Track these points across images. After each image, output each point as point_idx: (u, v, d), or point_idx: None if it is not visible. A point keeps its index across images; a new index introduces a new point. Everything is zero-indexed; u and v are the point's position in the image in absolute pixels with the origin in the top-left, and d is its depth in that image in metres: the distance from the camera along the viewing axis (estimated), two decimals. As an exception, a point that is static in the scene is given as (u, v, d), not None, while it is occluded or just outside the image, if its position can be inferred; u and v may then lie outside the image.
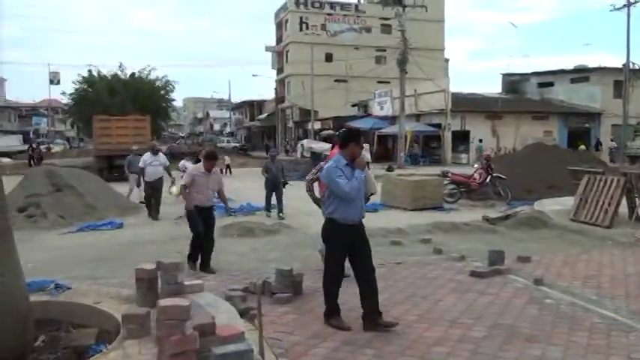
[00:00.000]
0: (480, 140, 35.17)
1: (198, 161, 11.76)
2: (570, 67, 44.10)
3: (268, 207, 13.77)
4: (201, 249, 7.85)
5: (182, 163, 17.06)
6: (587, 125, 39.74)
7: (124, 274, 6.74)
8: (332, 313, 5.28)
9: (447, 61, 61.59)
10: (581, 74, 42.01)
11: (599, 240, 10.15)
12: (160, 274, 4.79)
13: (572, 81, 42.08)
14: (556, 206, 12.96)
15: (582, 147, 31.49)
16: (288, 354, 4.61)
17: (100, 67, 56.59)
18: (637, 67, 35.68)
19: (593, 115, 39.75)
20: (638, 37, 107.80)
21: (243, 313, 5.05)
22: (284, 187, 13.78)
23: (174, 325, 3.71)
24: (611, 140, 38.02)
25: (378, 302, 5.24)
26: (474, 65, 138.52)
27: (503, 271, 7.28)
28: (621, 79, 34.71)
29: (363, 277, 5.25)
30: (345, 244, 5.20)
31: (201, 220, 7.78)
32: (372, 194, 5.80)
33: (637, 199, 11.35)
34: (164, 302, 3.88)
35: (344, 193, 5.06)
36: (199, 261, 7.85)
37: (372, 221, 9.08)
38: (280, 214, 13.20)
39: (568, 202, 12.62)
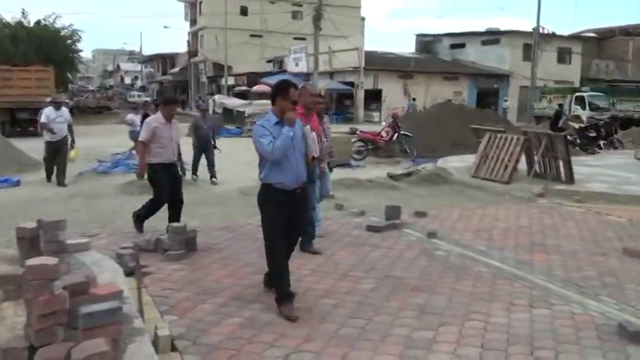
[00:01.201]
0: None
1: (146, 116, 10.74)
2: (483, 29, 45.28)
3: (195, 170, 11.96)
4: (156, 211, 6.97)
5: (129, 116, 15.08)
6: (496, 86, 41.13)
7: (13, 234, 6.33)
8: (283, 298, 4.49)
9: (363, 19, 61.62)
10: (492, 36, 43.23)
11: (498, 195, 10.54)
12: (41, 233, 4.52)
13: (484, 43, 43.24)
14: (459, 163, 13.34)
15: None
16: (173, 310, 4.47)
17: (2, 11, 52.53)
18: (546, 32, 37.09)
19: (502, 77, 41.16)
20: (548, 2, 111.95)
21: (130, 272, 4.85)
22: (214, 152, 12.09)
23: (41, 285, 3.47)
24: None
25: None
26: (391, 25, 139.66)
27: (399, 225, 7.40)
28: (531, 43, 35.89)
29: (289, 247, 4.79)
30: (280, 212, 4.53)
31: (167, 181, 6.83)
32: (314, 158, 4.81)
33: (535, 157, 11.81)
34: (30, 262, 3.64)
35: (267, 154, 4.45)
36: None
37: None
38: (213, 179, 11.69)
39: (471, 159, 12.99)
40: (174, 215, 6.91)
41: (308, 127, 4.83)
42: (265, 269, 4.85)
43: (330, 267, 5.70)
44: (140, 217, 7.02)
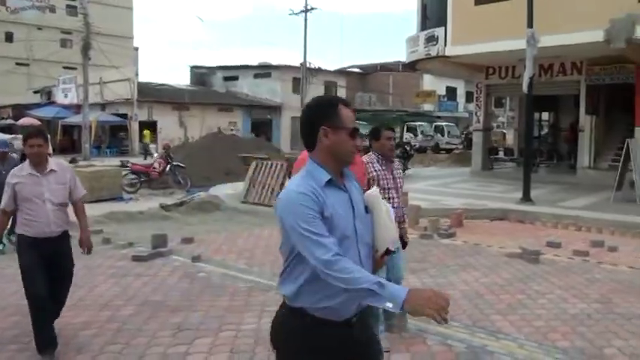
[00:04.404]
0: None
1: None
2: (255, 62, 47.23)
3: None
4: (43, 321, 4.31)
5: None
6: (269, 117, 43.08)
7: None
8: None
9: (136, 49, 60.45)
10: (263, 70, 45.26)
11: (266, 218, 11.13)
12: None
13: (256, 76, 45.09)
14: (230, 190, 13.89)
15: (253, 135, 34.03)
16: None
17: None
18: (312, 67, 40.12)
19: (275, 108, 43.24)
20: (314, 39, 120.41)
21: None
22: None
23: None
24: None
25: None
26: (168, 56, 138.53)
27: (165, 253, 7.61)
28: (299, 76, 38.42)
29: None
30: None
31: (41, 267, 4.32)
32: (389, 251, 2.40)
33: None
34: None
35: (322, 265, 2.08)
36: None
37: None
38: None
39: (241, 186, 13.62)
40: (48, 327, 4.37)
41: (375, 189, 2.49)
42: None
43: (91, 299, 5.71)
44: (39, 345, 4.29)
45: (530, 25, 12.43)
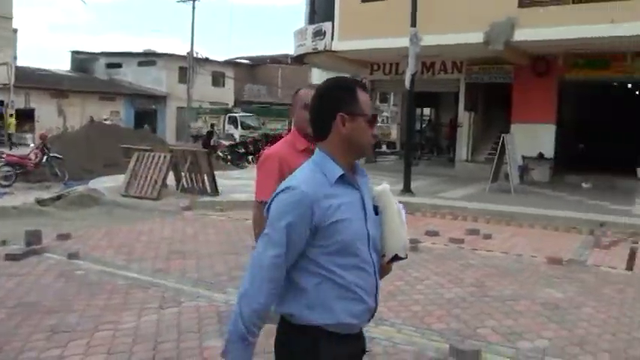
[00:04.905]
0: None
1: None
2: (140, 50, 45.54)
3: None
4: None
5: None
6: (154, 107, 41.77)
7: None
8: None
9: (15, 31, 56.24)
10: (149, 58, 43.77)
11: (147, 212, 10.83)
12: None
13: (141, 64, 43.50)
14: (111, 183, 13.31)
15: (146, 126, 32.95)
16: None
17: None
18: (200, 56, 39.30)
19: (160, 98, 41.97)
20: (202, 28, 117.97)
21: None
22: None
23: None
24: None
25: None
26: (47, 40, 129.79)
27: (39, 250, 7.15)
28: (186, 66, 37.49)
29: None
30: None
31: None
32: (397, 257, 2.13)
33: (182, 173, 12.48)
34: None
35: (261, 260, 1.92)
36: None
37: None
38: None
39: (122, 179, 13.08)
40: None
41: (386, 186, 2.19)
42: None
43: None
44: None
45: (413, 24, 12.90)
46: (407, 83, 13.27)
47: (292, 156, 2.86)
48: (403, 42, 13.32)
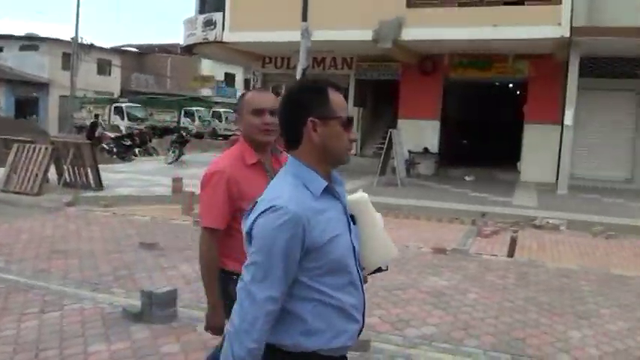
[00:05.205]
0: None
1: None
2: (21, 33, 42.67)
3: None
4: None
5: None
6: (35, 95, 39.30)
7: None
8: None
9: None
10: (31, 42, 41.13)
11: (28, 208, 10.20)
12: None
13: (22, 48, 40.78)
14: (-14, 177, 12.39)
15: (34, 116, 31.07)
16: None
17: None
18: (85, 42, 37.35)
19: (42, 85, 39.57)
20: (88, 13, 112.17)
21: None
22: None
23: None
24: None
25: None
26: None
27: None
28: (70, 52, 35.49)
29: None
30: None
31: None
32: (379, 269, 2.13)
33: (65, 166, 11.85)
34: None
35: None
36: None
37: None
38: None
39: (0, 172, 12.25)
40: None
41: (364, 194, 2.09)
42: None
43: None
44: None
45: (304, 18, 13.01)
46: (298, 78, 13.37)
47: (241, 171, 2.58)
48: (295, 36, 13.39)
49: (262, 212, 1.71)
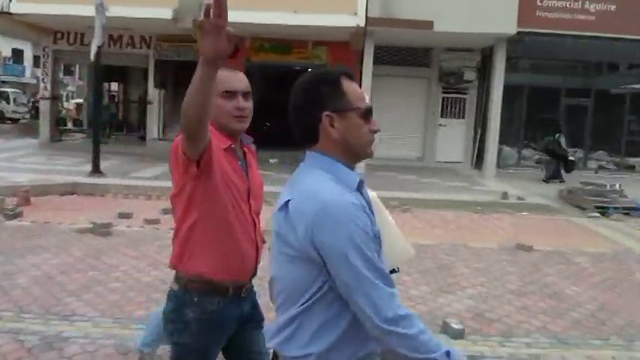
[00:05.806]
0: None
1: None
2: None
3: None
4: None
5: None
6: None
7: None
8: None
9: None
10: None
11: None
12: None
13: None
14: None
15: None
16: None
17: None
18: None
19: None
20: None
21: None
22: None
23: None
24: None
25: None
26: None
27: None
28: None
29: None
30: None
31: None
32: (392, 270, 2.05)
33: None
34: None
35: (390, 322, 1.54)
36: None
37: None
38: None
39: None
40: None
41: (373, 193, 1.99)
42: None
43: None
44: None
45: (104, -9, 12.08)
46: (92, 55, 12.39)
47: (218, 152, 2.16)
48: (89, 10, 12.37)
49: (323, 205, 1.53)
